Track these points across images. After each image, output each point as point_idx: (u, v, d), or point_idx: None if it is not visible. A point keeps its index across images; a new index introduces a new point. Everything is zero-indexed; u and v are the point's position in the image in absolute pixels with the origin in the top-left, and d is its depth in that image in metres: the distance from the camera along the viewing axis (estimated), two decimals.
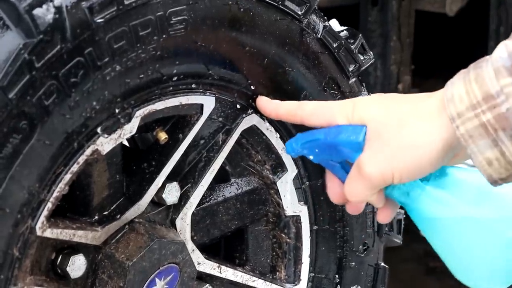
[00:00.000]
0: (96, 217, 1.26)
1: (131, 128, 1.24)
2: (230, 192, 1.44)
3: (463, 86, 1.07)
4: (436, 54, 2.15)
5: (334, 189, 1.24)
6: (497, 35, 1.89)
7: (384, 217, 1.23)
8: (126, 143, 1.30)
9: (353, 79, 1.44)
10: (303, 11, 1.33)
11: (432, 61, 2.12)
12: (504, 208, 1.12)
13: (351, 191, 1.15)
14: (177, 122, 1.34)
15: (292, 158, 1.40)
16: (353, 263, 1.55)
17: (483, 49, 1.95)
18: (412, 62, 2.00)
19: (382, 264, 1.61)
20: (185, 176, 1.37)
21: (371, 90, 1.88)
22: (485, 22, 2.06)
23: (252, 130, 1.39)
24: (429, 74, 2.12)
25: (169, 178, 1.33)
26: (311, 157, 1.26)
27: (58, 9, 1.08)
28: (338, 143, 1.15)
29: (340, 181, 1.22)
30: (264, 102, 1.31)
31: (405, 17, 1.86)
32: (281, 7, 1.30)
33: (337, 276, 1.55)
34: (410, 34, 1.89)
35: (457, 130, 1.05)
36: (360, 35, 1.47)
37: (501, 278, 1.14)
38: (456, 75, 1.12)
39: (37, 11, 1.07)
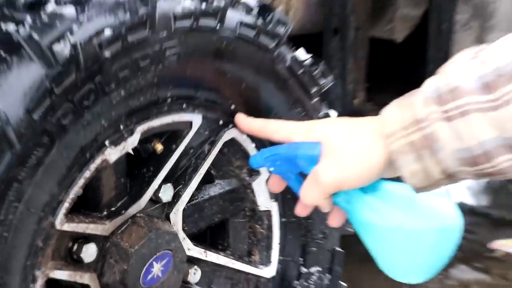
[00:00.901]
0: (105, 212, 1.28)
1: (133, 141, 1.26)
2: (214, 191, 1.45)
3: (397, 111, 1.10)
4: (387, 72, 2.16)
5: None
6: (435, 60, 1.90)
7: (334, 221, 1.22)
8: (130, 151, 1.30)
9: (316, 99, 1.44)
10: (274, 45, 1.33)
11: (383, 79, 2.12)
12: (427, 218, 1.12)
13: (307, 196, 1.15)
14: (171, 135, 1.35)
15: None
16: (314, 248, 1.55)
17: (425, 70, 1.99)
18: (366, 81, 2.00)
19: (338, 249, 1.60)
20: (178, 178, 1.38)
21: (332, 104, 1.81)
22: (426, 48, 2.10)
23: (232, 141, 1.40)
24: (381, 89, 2.11)
25: (165, 180, 1.34)
26: (271, 169, 1.27)
27: (74, 46, 1.09)
28: (297, 157, 1.15)
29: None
30: (240, 119, 1.32)
31: (360, 43, 1.87)
32: (256, 41, 1.31)
33: (301, 258, 1.55)
34: (364, 57, 1.88)
35: (390, 146, 1.08)
36: (322, 62, 1.46)
37: (422, 273, 1.14)
38: (393, 102, 1.14)
39: (56, 47, 1.08)
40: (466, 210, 2.61)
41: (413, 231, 1.09)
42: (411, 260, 1.11)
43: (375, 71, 2.01)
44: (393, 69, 2.10)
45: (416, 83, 1.67)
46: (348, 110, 1.83)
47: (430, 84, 1.08)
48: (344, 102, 1.84)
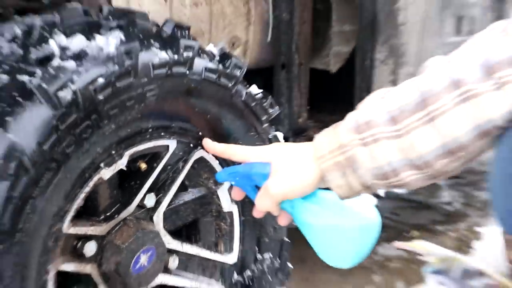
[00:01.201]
0: (102, 217, 1.30)
1: (122, 162, 1.27)
2: (188, 198, 1.45)
3: (326, 138, 1.12)
4: (324, 96, 2.13)
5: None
6: (360, 87, 1.88)
7: (282, 222, 1.23)
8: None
9: (266, 124, 1.46)
10: (232, 84, 1.36)
11: (321, 101, 2.09)
12: (351, 218, 1.14)
13: (260, 204, 1.16)
14: (153, 156, 1.36)
15: None
16: (267, 239, 1.56)
17: (353, 95, 1.96)
18: (308, 103, 1.97)
19: (286, 239, 1.60)
20: (159, 189, 1.39)
21: (281, 123, 1.90)
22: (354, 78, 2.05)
23: (201, 159, 1.41)
24: (320, 110, 2.10)
25: (149, 190, 1.36)
26: (233, 183, 1.27)
27: (74, 92, 1.10)
28: (252, 174, 1.17)
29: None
30: (206, 143, 1.32)
31: (303, 75, 1.85)
32: (218, 82, 1.32)
33: (256, 247, 1.56)
34: (306, 85, 1.87)
35: (321, 166, 1.10)
36: (270, 96, 1.47)
37: (350, 260, 1.15)
38: (324, 130, 1.16)
39: (60, 93, 1.09)
40: (392, 196, 2.61)
41: (340, 228, 1.11)
42: (340, 250, 1.13)
43: (315, 95, 1.98)
44: (329, 94, 2.09)
45: (346, 105, 1.67)
46: (294, 127, 1.83)
47: (351, 117, 1.11)
48: (290, 121, 1.84)
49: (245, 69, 1.39)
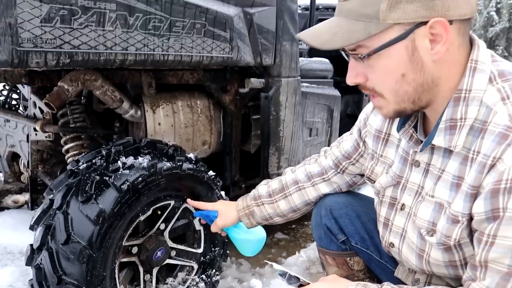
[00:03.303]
0: (140, 235, 1.31)
1: (149, 213, 1.27)
2: (180, 223, 1.42)
3: (241, 201, 1.11)
4: (248, 166, 1.89)
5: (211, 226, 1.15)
6: (264, 165, 1.77)
7: (223, 234, 1.16)
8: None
9: (216, 189, 1.43)
10: (200, 173, 1.35)
11: (247, 167, 1.86)
12: (252, 235, 1.13)
13: (213, 228, 1.13)
14: (163, 207, 1.34)
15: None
16: (216, 241, 1.51)
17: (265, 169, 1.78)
18: (239, 169, 1.83)
19: (226, 241, 1.51)
20: (166, 221, 1.37)
21: (226, 180, 1.78)
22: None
23: (186, 208, 1.40)
24: (246, 172, 1.86)
25: (162, 222, 1.34)
26: (200, 218, 1.25)
27: (128, 185, 1.16)
28: (209, 215, 1.15)
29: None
30: (188, 200, 1.25)
31: (237, 155, 1.79)
32: (194, 173, 1.32)
33: (211, 245, 1.51)
34: (238, 160, 1.75)
35: (239, 213, 1.10)
36: (218, 177, 1.43)
37: (253, 253, 1.13)
38: (240, 197, 1.14)
39: (122, 186, 1.15)
40: None
41: (247, 239, 1.12)
42: (248, 249, 1.13)
43: (243, 164, 1.85)
44: (250, 165, 1.85)
45: (258, 170, 1.80)
46: (232, 181, 1.78)
47: (252, 193, 1.11)
48: (230, 178, 1.77)
49: (206, 167, 1.38)
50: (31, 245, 1.12)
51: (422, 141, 0.75)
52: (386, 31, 0.62)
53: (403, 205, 0.80)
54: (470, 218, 0.65)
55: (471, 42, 0.68)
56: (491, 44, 13.44)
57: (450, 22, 0.62)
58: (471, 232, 0.66)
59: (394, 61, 0.64)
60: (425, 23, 0.61)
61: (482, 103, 0.64)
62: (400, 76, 0.65)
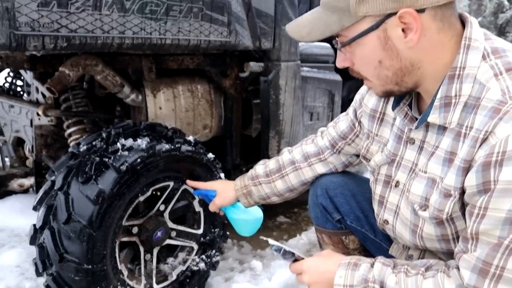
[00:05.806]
0: (140, 216, 1.31)
1: (148, 194, 1.26)
2: (180, 204, 1.42)
3: (239, 180, 1.15)
4: (249, 151, 1.84)
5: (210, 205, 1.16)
6: (264, 148, 1.74)
7: (221, 213, 1.18)
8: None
9: (216, 171, 1.41)
10: (199, 155, 1.34)
11: (248, 151, 1.83)
12: (250, 215, 1.13)
13: (211, 208, 1.14)
14: (163, 188, 1.33)
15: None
16: (216, 222, 1.50)
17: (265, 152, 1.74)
18: (240, 153, 1.78)
19: (225, 222, 1.48)
20: (165, 202, 1.34)
21: (227, 163, 1.76)
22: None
23: (185, 189, 1.38)
24: (246, 155, 1.85)
25: (162, 203, 1.33)
26: (200, 196, 1.28)
27: (126, 166, 1.16)
28: (208, 195, 1.16)
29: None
30: (187, 181, 1.27)
31: (237, 140, 1.75)
32: (193, 155, 1.31)
33: (211, 226, 1.49)
34: (239, 143, 1.73)
35: (237, 193, 1.11)
36: (217, 159, 1.40)
37: (250, 233, 1.13)
38: (238, 177, 1.15)
39: (121, 167, 1.15)
40: None
41: (245, 219, 1.13)
42: (245, 228, 1.13)
43: (244, 148, 1.82)
44: (252, 150, 1.82)
45: (258, 154, 1.75)
46: (233, 164, 1.76)
47: (249, 172, 1.11)
48: (231, 162, 1.76)
49: (205, 149, 1.37)
50: (34, 225, 1.14)
51: (417, 119, 0.76)
52: (359, 23, 0.66)
53: (397, 182, 0.80)
54: (462, 192, 0.65)
55: (463, 21, 0.69)
56: (501, 31, 13.15)
57: (423, 10, 0.63)
58: (463, 206, 0.67)
59: (369, 50, 0.67)
60: (395, 13, 0.64)
61: (476, 80, 0.65)
62: (378, 62, 0.69)
